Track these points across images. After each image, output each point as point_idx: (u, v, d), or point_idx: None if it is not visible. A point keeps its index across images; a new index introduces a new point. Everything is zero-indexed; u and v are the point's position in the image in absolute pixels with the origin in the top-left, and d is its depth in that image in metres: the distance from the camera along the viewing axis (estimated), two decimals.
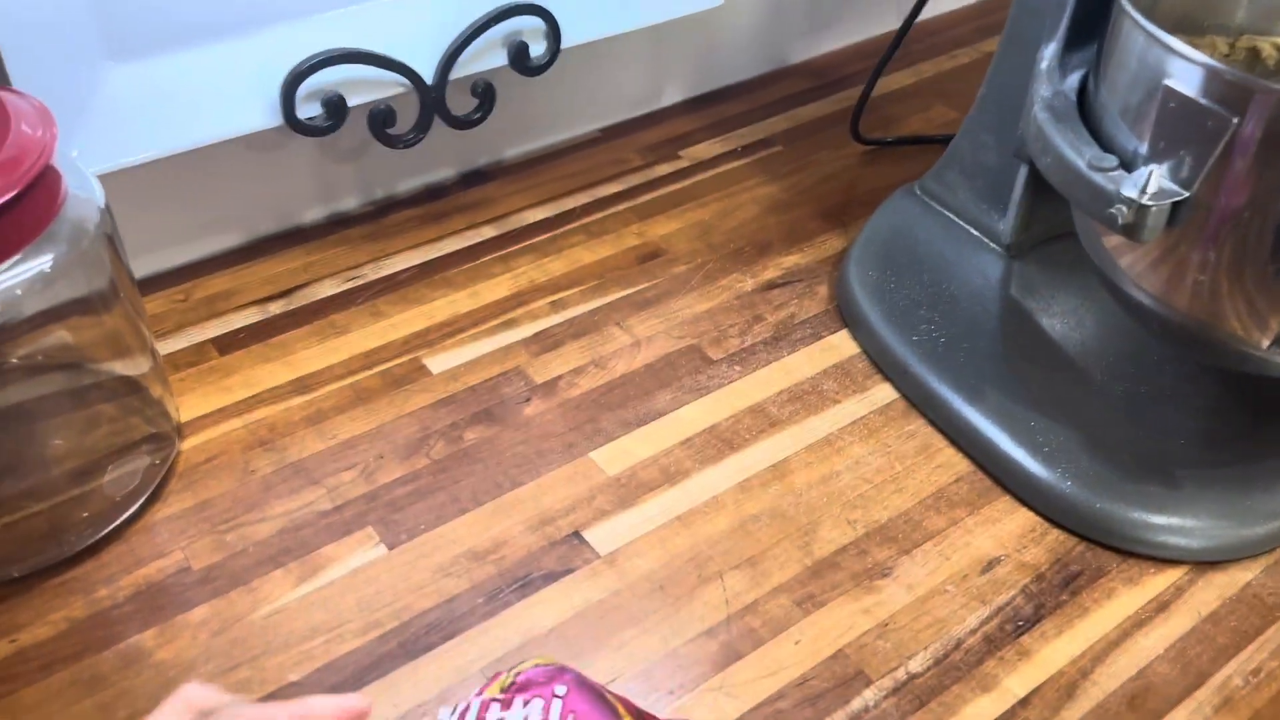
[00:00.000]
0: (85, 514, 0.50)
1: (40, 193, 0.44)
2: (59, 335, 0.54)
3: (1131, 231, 0.42)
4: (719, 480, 0.52)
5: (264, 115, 0.59)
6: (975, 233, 0.60)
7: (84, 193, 0.47)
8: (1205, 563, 0.49)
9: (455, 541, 0.50)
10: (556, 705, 0.36)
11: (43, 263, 0.44)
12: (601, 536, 0.50)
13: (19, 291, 0.44)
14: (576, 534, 0.50)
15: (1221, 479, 0.51)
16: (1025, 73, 0.53)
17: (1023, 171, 0.56)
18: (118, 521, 0.50)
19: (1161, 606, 0.47)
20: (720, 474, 0.53)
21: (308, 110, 0.60)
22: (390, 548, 0.49)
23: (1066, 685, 0.44)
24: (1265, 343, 0.45)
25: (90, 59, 0.54)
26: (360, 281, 0.64)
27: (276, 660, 0.45)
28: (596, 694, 0.38)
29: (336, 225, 0.68)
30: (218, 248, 0.65)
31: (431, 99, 0.64)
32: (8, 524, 0.50)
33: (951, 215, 0.62)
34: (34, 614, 0.47)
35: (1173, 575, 0.49)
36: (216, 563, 0.49)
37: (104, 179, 0.49)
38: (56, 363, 0.55)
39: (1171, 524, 0.49)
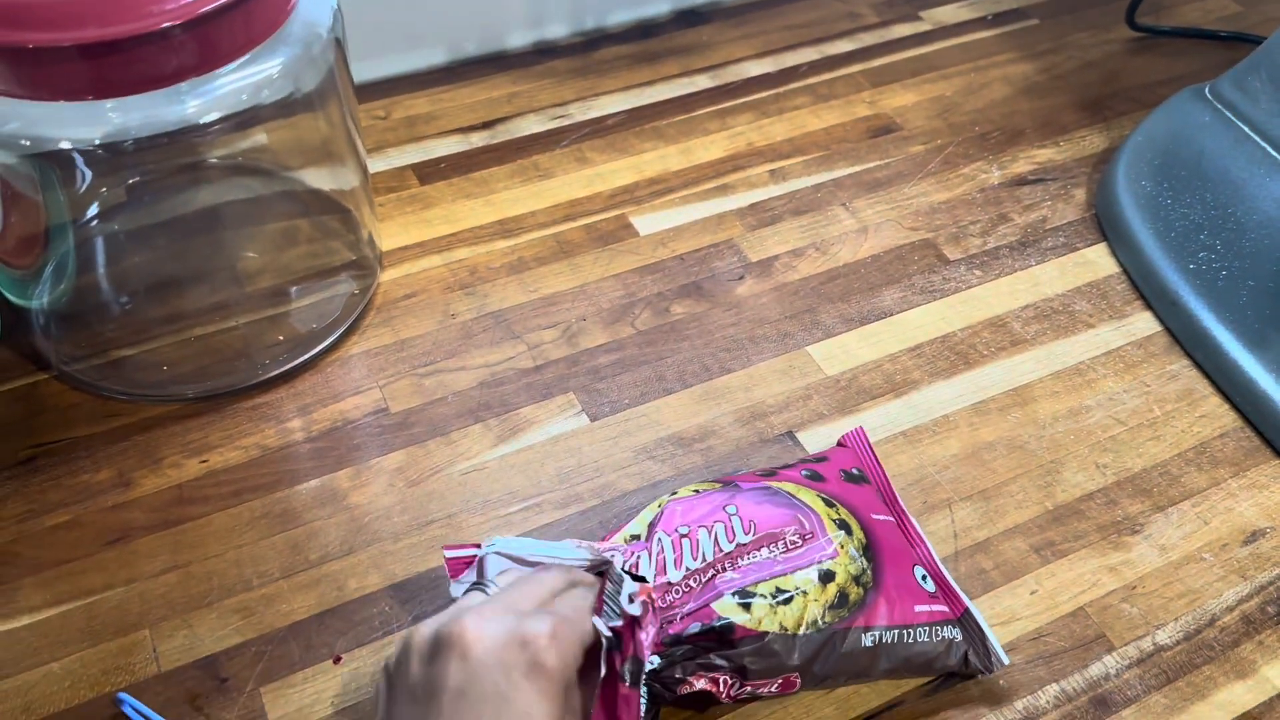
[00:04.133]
0: (280, 337, 0.48)
1: None
2: (258, 138, 0.51)
3: None
4: (951, 398, 0.48)
5: None
6: (1276, 154, 0.52)
7: None
8: None
9: (660, 423, 0.46)
10: (736, 521, 0.38)
11: (272, 66, 0.40)
12: (816, 441, 0.46)
13: (244, 96, 0.40)
14: (790, 434, 0.46)
15: None
16: None
17: None
18: (314, 351, 0.48)
19: None
20: (952, 391, 0.48)
21: None
22: (593, 419, 0.46)
23: None
24: None
25: None
26: (566, 121, 0.59)
27: (473, 521, 0.43)
28: (768, 491, 0.39)
29: (543, 55, 0.62)
30: (420, 64, 0.61)
31: None
32: (199, 337, 0.48)
33: (1248, 129, 0.53)
34: (225, 436, 0.45)
35: None
36: (415, 408, 0.46)
37: None
38: (256, 165, 0.52)
39: None
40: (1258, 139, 0.53)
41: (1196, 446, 0.46)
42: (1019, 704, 0.39)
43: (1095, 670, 0.40)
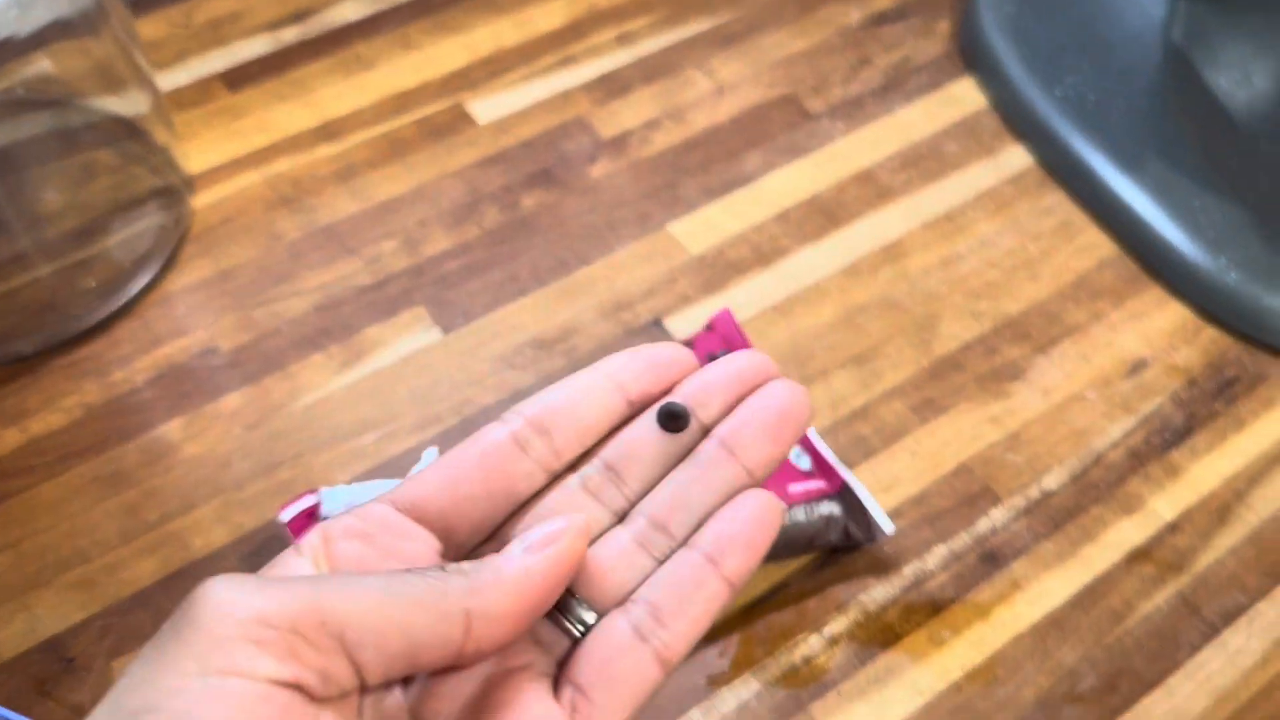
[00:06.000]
0: (92, 283, 0.44)
1: None
2: (40, 65, 0.45)
3: None
4: (821, 262, 0.45)
5: None
6: None
7: None
8: None
9: (518, 327, 0.43)
10: None
11: None
12: (685, 325, 0.43)
13: (11, 17, 0.34)
14: (657, 322, 0.43)
15: None
16: None
17: None
18: (130, 293, 0.43)
19: None
20: (823, 255, 0.45)
21: None
22: (445, 331, 0.43)
23: (1219, 509, 0.39)
24: None
25: None
26: (387, 3, 0.53)
27: (323, 459, 0.40)
28: None
29: None
30: None
31: None
32: (3, 293, 0.43)
33: None
34: (43, 399, 0.41)
35: None
36: (246, 343, 0.42)
37: None
38: (40, 97, 0.47)
39: None
40: None
41: (1075, 281, 0.45)
42: (907, 570, 0.37)
43: (982, 526, 0.38)
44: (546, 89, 0.51)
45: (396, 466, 0.39)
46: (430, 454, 0.33)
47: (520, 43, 0.52)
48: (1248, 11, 0.48)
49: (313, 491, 0.35)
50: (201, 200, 0.47)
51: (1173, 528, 0.39)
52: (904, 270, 0.45)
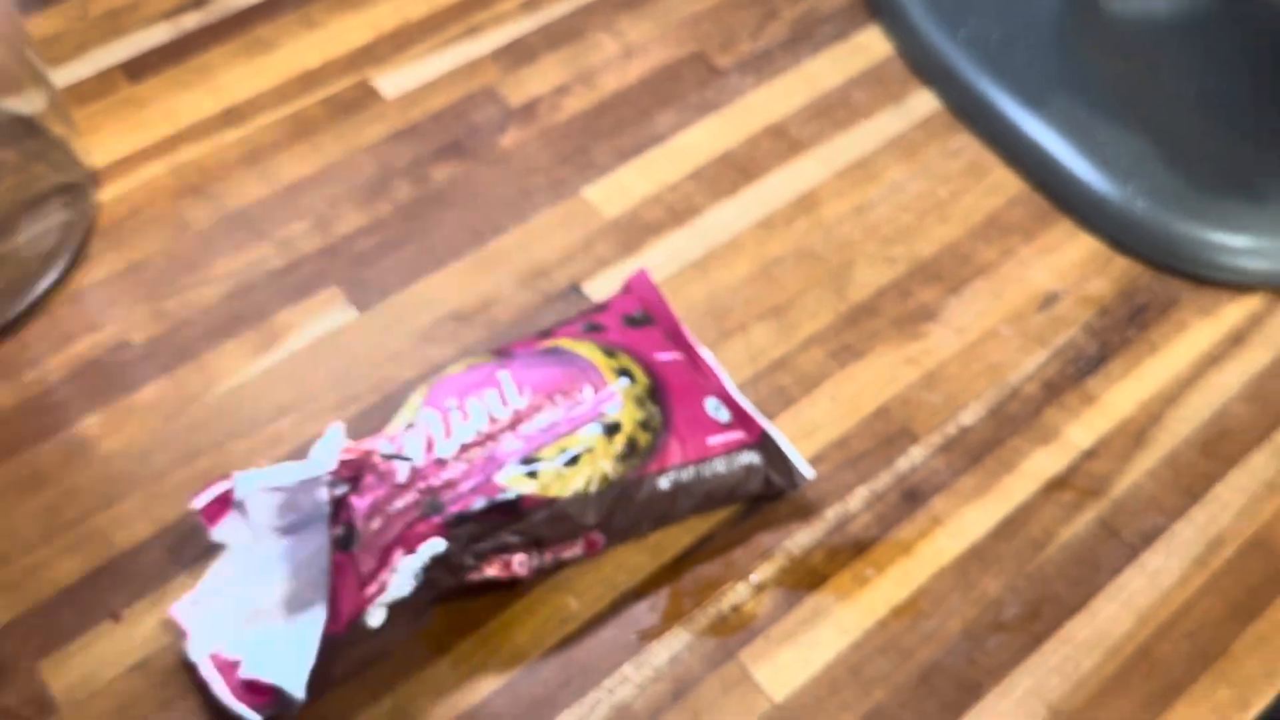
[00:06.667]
0: None
1: None
2: None
3: None
4: (736, 217, 0.45)
5: None
6: None
7: None
8: None
9: (435, 301, 0.43)
10: (509, 388, 0.35)
11: None
12: (603, 288, 0.43)
13: None
14: (574, 287, 0.43)
15: None
16: None
17: None
18: (38, 292, 0.43)
19: (1237, 339, 0.42)
20: (737, 210, 0.45)
21: None
22: (361, 310, 0.43)
23: (1135, 433, 0.40)
24: None
25: None
26: None
27: (242, 445, 0.39)
28: (544, 352, 0.37)
29: None
30: None
31: None
32: None
33: None
34: None
35: (1249, 303, 0.43)
36: (159, 335, 0.42)
37: None
38: None
39: (1252, 245, 0.43)
40: None
41: (985, 220, 0.45)
42: (829, 513, 0.38)
43: (902, 464, 0.39)
44: (453, 60, 0.50)
45: (314, 446, 0.39)
46: (335, 430, 0.33)
47: (424, 15, 0.52)
48: None
49: (226, 477, 0.35)
50: (107, 194, 0.46)
51: (1090, 454, 0.39)
52: (818, 220, 0.45)
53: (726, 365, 0.41)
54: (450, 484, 0.33)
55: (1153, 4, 0.48)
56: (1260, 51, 0.47)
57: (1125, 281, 0.44)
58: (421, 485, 0.32)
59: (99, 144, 0.47)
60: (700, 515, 0.37)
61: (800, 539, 0.37)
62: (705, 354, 0.39)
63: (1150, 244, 0.44)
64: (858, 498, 0.38)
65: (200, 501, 0.34)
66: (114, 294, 0.43)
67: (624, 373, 0.36)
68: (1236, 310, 0.43)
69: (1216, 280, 0.44)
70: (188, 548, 0.37)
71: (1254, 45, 0.47)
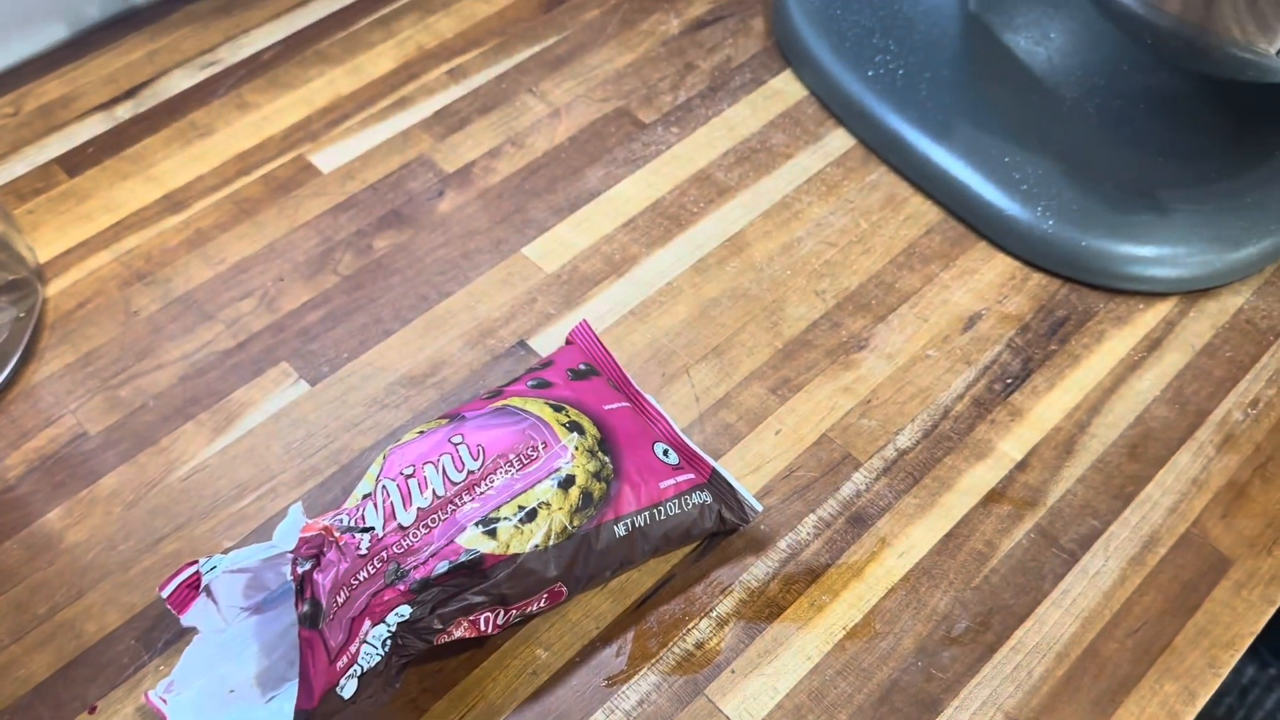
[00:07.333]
0: None
1: None
2: None
3: None
4: (671, 264, 0.47)
5: None
6: None
7: None
8: (1195, 291, 0.46)
9: (386, 368, 0.44)
10: (463, 450, 0.36)
11: None
12: (549, 342, 0.45)
13: None
14: (522, 343, 0.45)
15: (1207, 198, 0.47)
16: None
17: None
18: None
19: (1154, 344, 0.45)
20: (671, 256, 0.47)
21: None
22: (313, 383, 0.44)
23: (1064, 442, 0.42)
24: (1273, 47, 0.40)
25: None
26: (218, 68, 0.54)
27: (205, 527, 0.40)
28: (494, 413, 0.38)
29: (178, 2, 0.57)
30: (41, 44, 0.54)
31: None
32: None
33: None
34: None
35: (1162, 309, 0.46)
36: (115, 423, 0.43)
37: None
38: None
39: (1160, 254, 0.46)
40: None
41: (905, 249, 0.47)
42: (782, 543, 0.39)
43: (847, 490, 0.41)
44: (386, 131, 0.52)
45: (276, 522, 0.40)
46: (296, 510, 0.34)
47: (355, 89, 0.53)
48: None
49: (192, 562, 0.35)
50: (54, 288, 0.46)
51: (1023, 466, 0.41)
52: (749, 261, 0.47)
53: (673, 407, 0.43)
54: (412, 550, 0.34)
55: (1052, 35, 0.51)
56: (1154, 68, 0.50)
57: (1043, 297, 0.46)
58: (383, 555, 0.34)
59: (42, 239, 0.48)
60: (659, 556, 0.39)
61: (756, 571, 0.39)
62: (651, 399, 0.40)
63: (1063, 260, 0.46)
64: (808, 526, 0.40)
65: (167, 590, 0.35)
66: (68, 386, 0.44)
67: (573, 426, 0.38)
68: (1151, 317, 0.46)
69: (1129, 290, 0.46)
70: (159, 633, 0.38)
71: (1146, 62, 0.50)
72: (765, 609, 0.38)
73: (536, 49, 0.54)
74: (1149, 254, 0.45)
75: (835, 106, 0.51)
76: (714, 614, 0.38)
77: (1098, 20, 0.49)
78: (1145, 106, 0.50)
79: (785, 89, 0.53)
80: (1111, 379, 0.44)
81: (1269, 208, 0.46)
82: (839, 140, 0.51)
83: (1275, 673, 1.18)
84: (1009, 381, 0.43)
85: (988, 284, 0.46)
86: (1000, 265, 0.47)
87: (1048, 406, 0.43)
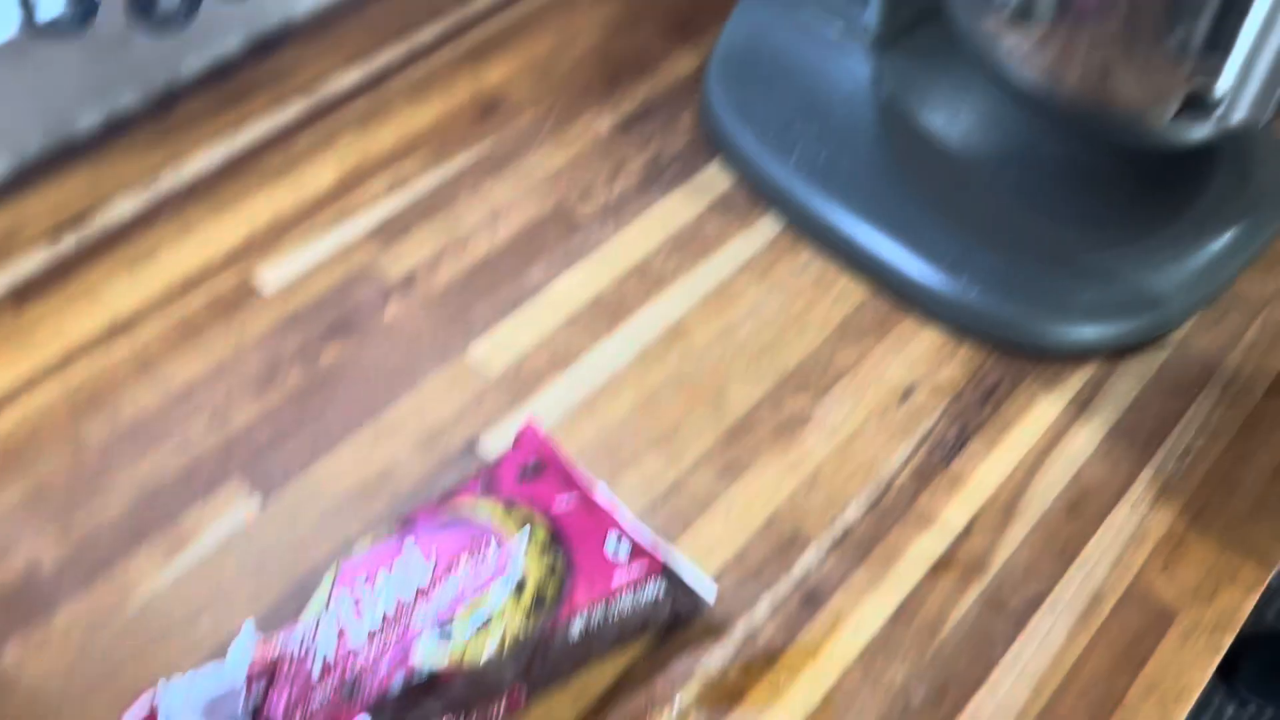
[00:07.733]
0: None
1: None
2: None
3: (1025, 12, 0.38)
4: (614, 356, 0.48)
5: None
6: (839, 28, 0.55)
7: None
8: (1119, 350, 0.48)
9: (337, 478, 0.45)
10: (416, 558, 0.37)
11: None
12: (497, 442, 0.45)
13: None
14: (471, 445, 0.45)
15: (1123, 260, 0.49)
16: None
17: None
18: None
19: (1083, 405, 0.46)
20: (614, 348, 0.48)
21: (52, 7, 0.49)
22: (264, 498, 0.44)
23: (1004, 506, 0.43)
24: (1166, 117, 0.42)
25: None
26: (160, 192, 0.55)
27: (164, 651, 0.40)
28: (444, 518, 0.38)
29: (117, 130, 0.58)
30: None
31: None
32: None
33: (810, 14, 0.56)
34: None
35: (1088, 370, 0.47)
36: (69, 554, 0.43)
37: None
38: None
39: (1082, 317, 0.47)
40: (822, 20, 0.56)
41: (839, 326, 0.49)
42: (738, 626, 0.40)
43: (799, 569, 0.41)
44: (329, 245, 0.53)
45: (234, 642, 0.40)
46: (248, 626, 0.34)
47: (296, 205, 0.54)
48: (940, 56, 0.54)
49: (151, 688, 0.35)
50: (4, 422, 0.47)
51: (966, 532, 0.42)
52: (690, 347, 0.48)
53: (624, 496, 0.43)
54: (366, 668, 0.34)
55: (962, 113, 0.54)
56: (1064, 139, 0.53)
57: (973, 366, 0.47)
58: (338, 672, 0.34)
59: None
60: (618, 651, 0.39)
61: (715, 657, 0.39)
62: (601, 491, 0.41)
63: (989, 328, 0.48)
64: (763, 607, 0.40)
65: None
66: (20, 520, 0.44)
67: (524, 526, 0.38)
68: (1078, 378, 0.47)
69: (1056, 353, 0.48)
70: None
71: (1056, 133, 0.53)
72: (726, 696, 0.38)
73: (474, 155, 0.56)
74: (1071, 318, 0.47)
75: (762, 192, 0.53)
76: (676, 704, 0.38)
77: (1005, 98, 0.52)
78: (1058, 176, 0.52)
79: (714, 179, 0.55)
80: (1045, 440, 0.45)
81: (1182, 266, 0.49)
82: (770, 225, 0.52)
83: (1255, 710, 1.18)
84: (946, 449, 0.45)
85: (920, 355, 0.48)
86: (931, 336, 0.48)
87: (986, 472, 0.44)
